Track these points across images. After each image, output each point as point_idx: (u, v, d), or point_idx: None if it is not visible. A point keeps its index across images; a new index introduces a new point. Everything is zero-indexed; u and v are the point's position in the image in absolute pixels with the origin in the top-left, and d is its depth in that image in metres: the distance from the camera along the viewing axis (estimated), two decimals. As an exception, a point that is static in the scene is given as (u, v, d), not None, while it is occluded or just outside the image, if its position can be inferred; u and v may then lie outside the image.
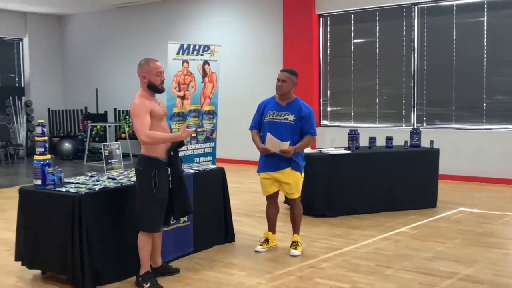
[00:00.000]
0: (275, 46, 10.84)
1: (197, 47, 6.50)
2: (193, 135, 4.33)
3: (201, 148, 6.72)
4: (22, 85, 13.79)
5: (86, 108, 13.28)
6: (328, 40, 10.52)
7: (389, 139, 7.06)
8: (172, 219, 4.31)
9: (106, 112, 12.67)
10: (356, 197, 6.54)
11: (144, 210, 4.01)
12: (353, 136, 6.91)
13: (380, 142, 7.19)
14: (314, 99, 10.54)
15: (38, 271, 4.36)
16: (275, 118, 4.89)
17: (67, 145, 12.67)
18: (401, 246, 5.20)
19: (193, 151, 6.64)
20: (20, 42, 13.66)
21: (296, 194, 4.97)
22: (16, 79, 13.74)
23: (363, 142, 7.13)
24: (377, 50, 10.02)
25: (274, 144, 4.76)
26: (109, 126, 12.33)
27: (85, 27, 13.91)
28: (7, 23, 13.19)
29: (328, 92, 10.66)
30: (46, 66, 13.87)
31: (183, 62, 6.40)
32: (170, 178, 4.08)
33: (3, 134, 12.39)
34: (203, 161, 6.69)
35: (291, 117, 4.86)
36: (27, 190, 4.21)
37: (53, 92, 13.96)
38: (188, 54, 6.42)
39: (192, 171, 5.00)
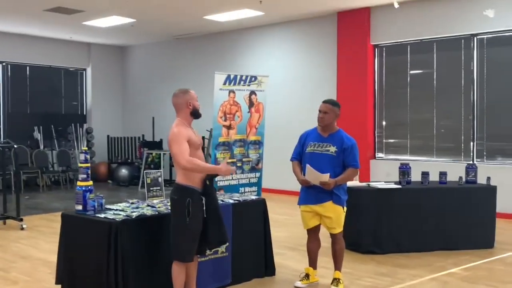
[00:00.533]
0: (328, 77, 10.81)
1: (244, 78, 6.62)
2: (232, 173, 4.36)
3: (246, 178, 6.77)
4: (84, 113, 14.42)
5: (143, 135, 13.69)
6: (384, 70, 10.40)
7: (442, 174, 6.81)
8: (208, 250, 4.31)
9: (161, 140, 13.00)
10: (406, 234, 6.33)
11: (177, 239, 4.05)
12: (404, 170, 6.74)
13: (437, 177, 6.92)
14: (369, 131, 10.39)
15: (76, 296, 4.46)
16: (317, 149, 4.85)
17: (123, 171, 13.06)
18: (449, 288, 4.96)
19: (238, 181, 6.69)
20: (84, 72, 14.35)
21: (338, 228, 4.87)
22: (79, 107, 14.40)
23: (419, 176, 6.88)
24: (435, 81, 9.79)
25: (314, 176, 4.71)
26: (164, 154, 12.62)
27: (144, 57, 14.45)
28: (72, 53, 13.92)
29: (384, 123, 10.48)
30: (107, 95, 14.46)
31: (229, 92, 6.52)
32: (204, 208, 4.11)
33: (64, 159, 12.94)
34: (248, 191, 6.72)
35: (332, 149, 4.81)
36: (68, 215, 4.36)
37: (113, 120, 14.50)
38: (234, 84, 6.53)
39: (231, 201, 5.01)
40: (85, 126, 13.90)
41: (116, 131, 14.31)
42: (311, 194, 4.85)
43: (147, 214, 4.27)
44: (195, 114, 4.25)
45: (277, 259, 5.86)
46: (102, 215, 4.19)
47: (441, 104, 9.72)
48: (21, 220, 7.56)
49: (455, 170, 7.53)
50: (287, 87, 11.46)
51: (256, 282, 5.09)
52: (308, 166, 4.75)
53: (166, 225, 4.22)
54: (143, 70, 14.49)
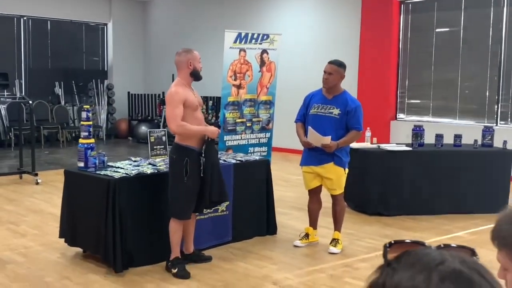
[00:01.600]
0: (350, 35, 10.69)
1: (255, 36, 6.63)
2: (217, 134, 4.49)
3: (256, 138, 6.87)
4: (105, 69, 14.65)
5: (163, 93, 13.86)
6: (409, 28, 10.22)
7: (457, 137, 6.80)
8: (208, 208, 4.49)
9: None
10: (415, 197, 6.39)
11: (174, 197, 4.23)
12: (417, 132, 6.74)
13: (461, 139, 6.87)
14: (391, 91, 10.32)
15: (80, 249, 4.73)
16: (320, 111, 4.91)
17: (143, 129, 13.31)
18: (451, 252, 5.04)
19: (248, 141, 6.80)
20: (105, 27, 14.50)
21: (338, 190, 4.97)
22: (100, 63, 14.62)
23: (446, 139, 6.84)
24: (461, 40, 9.59)
25: (315, 138, 4.79)
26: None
27: (167, 13, 14.48)
28: (92, 8, 14.04)
29: (406, 84, 10.37)
30: (128, 51, 14.61)
31: (240, 51, 6.55)
32: (202, 167, 4.25)
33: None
34: (258, 151, 6.84)
35: (336, 111, 4.86)
36: (71, 172, 4.58)
37: (134, 77, 14.69)
38: (245, 42, 6.56)
39: (234, 161, 5.15)
40: (106, 82, 14.14)
41: (137, 88, 14.52)
42: (313, 156, 4.94)
43: (147, 172, 4.44)
44: (195, 75, 4.35)
45: (281, 219, 6.04)
46: (103, 172, 4.39)
47: (467, 65, 9.55)
48: (36, 175, 7.89)
49: (478, 133, 7.45)
50: (303, 46, 11.38)
51: (256, 240, 5.27)
52: (310, 128, 4.83)
53: (165, 183, 4.39)
54: (164, 26, 14.54)
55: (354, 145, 6.56)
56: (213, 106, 12.40)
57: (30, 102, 8.73)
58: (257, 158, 5.59)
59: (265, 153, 7.02)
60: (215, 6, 13.08)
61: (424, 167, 6.43)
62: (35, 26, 13.29)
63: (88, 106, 4.78)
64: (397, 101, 10.46)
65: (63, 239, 4.71)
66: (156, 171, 4.52)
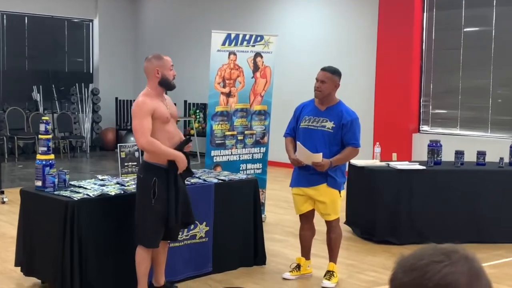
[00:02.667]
0: (366, 34, 10.76)
1: (247, 37, 6.75)
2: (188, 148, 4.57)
3: (249, 154, 6.97)
4: (90, 71, 14.87)
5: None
6: (433, 27, 10.27)
7: (480, 154, 6.82)
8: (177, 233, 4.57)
9: (175, 104, 13.28)
10: (429, 223, 6.41)
11: (141, 222, 4.31)
12: (433, 148, 6.79)
13: (489, 157, 6.91)
14: (413, 100, 10.36)
15: (38, 280, 4.83)
16: (311, 124, 4.98)
17: (133, 140, 13.49)
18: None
19: (239, 157, 6.90)
20: (90, 24, 14.75)
21: (333, 215, 5.03)
22: (84, 64, 14.85)
23: (469, 156, 6.89)
24: (493, 41, 9.62)
25: (305, 155, 4.86)
26: (178, 121, 12.94)
27: (160, 8, 14.69)
28: (76, 2, 14.29)
29: (431, 91, 10.41)
30: (116, 51, 14.81)
31: (229, 54, 6.67)
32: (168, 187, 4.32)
33: (65, 124, 13.46)
34: (251, 168, 6.93)
35: (329, 124, 4.93)
36: (27, 192, 4.70)
37: (123, 80, 14.87)
38: (236, 45, 6.67)
39: (215, 180, 5.24)
40: (91, 86, 14.36)
41: (125, 93, 14.69)
42: (303, 176, 5.01)
43: (110, 193, 4.55)
44: (165, 84, 4.46)
45: (274, 247, 6.12)
46: (62, 193, 4.50)
47: (499, 69, 9.57)
48: (2, 192, 8.04)
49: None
50: (304, 48, 11.51)
51: (241, 271, 5.34)
52: (298, 143, 4.90)
53: (133, 206, 4.48)
54: (157, 22, 14.75)
55: (360, 162, 6.65)
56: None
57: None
58: (244, 177, 5.67)
59: (259, 171, 7.12)
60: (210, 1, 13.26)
61: (440, 189, 6.45)
62: (10, 22, 13.56)
63: (47, 118, 4.90)
64: (420, 111, 10.50)
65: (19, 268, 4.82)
66: (122, 191, 4.62)
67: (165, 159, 4.33)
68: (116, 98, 14.40)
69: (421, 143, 10.30)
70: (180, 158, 4.30)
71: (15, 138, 12.29)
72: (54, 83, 13.95)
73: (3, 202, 7.94)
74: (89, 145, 13.95)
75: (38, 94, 13.64)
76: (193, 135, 12.64)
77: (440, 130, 10.27)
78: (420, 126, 10.49)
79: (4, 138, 12.18)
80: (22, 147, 12.76)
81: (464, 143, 9.04)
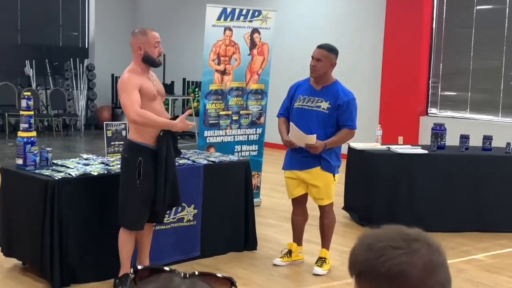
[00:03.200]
0: (374, 11, 10.70)
1: (244, 12, 6.73)
2: (189, 128, 4.55)
3: (244, 135, 6.98)
4: (86, 46, 14.87)
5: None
6: (444, 5, 10.21)
7: (487, 138, 6.81)
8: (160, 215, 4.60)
9: (173, 82, 13.32)
10: (431, 210, 6.42)
11: (125, 204, 4.35)
12: (437, 131, 6.78)
13: (497, 142, 6.93)
14: (421, 81, 10.33)
15: (19, 261, 4.89)
16: (306, 104, 4.98)
17: (128, 119, 13.52)
18: (461, 278, 5.10)
19: (234, 138, 6.92)
20: (86, -4, 14.72)
21: (326, 200, 5.05)
22: (79, 38, 14.85)
23: (478, 140, 6.89)
24: (506, 20, 9.55)
25: (298, 136, 4.87)
26: (175, 100, 12.97)
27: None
28: (72, -27, 14.25)
29: (440, 72, 10.37)
30: (113, 25, 14.77)
31: (225, 30, 6.66)
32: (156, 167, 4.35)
33: (59, 101, 13.49)
34: (247, 150, 6.95)
35: (325, 105, 4.93)
36: (8, 170, 4.75)
37: (119, 56, 14.73)
38: (232, 20, 6.66)
39: (204, 162, 5.26)
40: (86, 62, 14.37)
41: (122, 70, 14.48)
42: (296, 158, 5.02)
43: (93, 173, 4.57)
44: (149, 61, 4.45)
45: (267, 232, 6.16)
46: (43, 172, 4.53)
47: (512, 50, 9.52)
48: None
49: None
50: (304, 24, 11.49)
51: (230, 256, 5.38)
52: (291, 124, 4.91)
53: (117, 187, 4.51)
54: (156, -5, 14.70)
55: (360, 145, 6.66)
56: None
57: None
58: (235, 159, 5.68)
59: (255, 153, 7.14)
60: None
61: (443, 175, 6.46)
62: (2, -6, 13.54)
63: (29, 93, 4.93)
64: (429, 93, 10.47)
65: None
66: (105, 172, 4.64)
67: (151, 139, 4.34)
68: (112, 75, 14.39)
69: (429, 126, 10.23)
70: (174, 125, 4.30)
71: (6, 115, 12.33)
72: (48, 58, 13.96)
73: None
74: (83, 124, 13.98)
75: (31, 69, 13.66)
76: (191, 115, 12.65)
77: (449, 113, 10.25)
78: (428, 109, 10.47)
79: (-8, 116, 12.22)
80: (13, 124, 12.79)
81: (474, 127, 9.03)
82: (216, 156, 5.58)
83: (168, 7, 14.30)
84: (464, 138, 6.77)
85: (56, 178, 4.37)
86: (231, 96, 6.83)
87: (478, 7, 9.89)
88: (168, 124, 4.34)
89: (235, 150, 6.89)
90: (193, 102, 12.72)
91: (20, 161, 4.67)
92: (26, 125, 4.70)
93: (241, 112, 6.92)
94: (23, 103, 4.76)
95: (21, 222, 4.57)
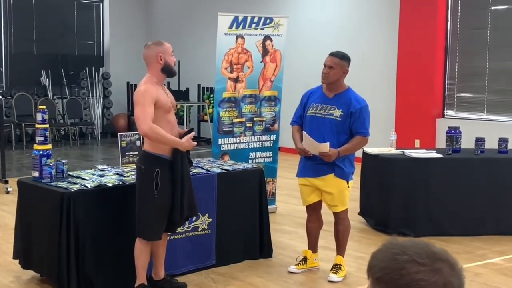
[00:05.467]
0: (387, 13, 10.71)
1: (255, 20, 6.79)
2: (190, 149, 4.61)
3: (258, 141, 7.03)
4: (101, 55, 15.03)
5: (168, 83, 14.16)
6: (459, 5, 10.20)
7: (502, 141, 6.81)
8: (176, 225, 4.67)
9: (187, 89, 13.42)
10: (447, 214, 6.44)
11: (142, 214, 4.42)
12: (452, 135, 6.79)
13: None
14: (437, 83, 10.32)
15: (36, 273, 4.97)
16: (319, 112, 5.03)
17: (144, 126, 13.64)
18: (478, 282, 5.11)
19: (248, 145, 6.98)
20: (100, 4, 14.88)
21: (341, 206, 5.09)
22: (95, 47, 15.01)
23: (495, 143, 6.88)
24: (522, 20, 9.53)
25: (311, 144, 4.92)
26: (190, 106, 13.06)
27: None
28: (86, -18, 14.42)
29: (456, 73, 10.35)
30: (128, 33, 14.93)
31: (237, 38, 6.73)
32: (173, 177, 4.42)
33: (75, 110, 13.65)
34: (261, 157, 7.01)
35: (337, 112, 4.97)
36: (24, 183, 4.84)
37: (134, 64, 14.89)
38: (244, 28, 6.72)
39: (218, 170, 5.32)
40: (101, 70, 14.52)
41: (137, 77, 14.65)
42: (309, 166, 5.07)
43: (108, 184, 4.65)
44: (168, 71, 4.54)
45: (283, 239, 6.21)
46: (59, 184, 4.61)
47: (529, 50, 9.49)
48: (6, 182, 8.22)
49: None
50: (317, 30, 11.56)
51: (246, 264, 5.43)
52: (304, 133, 4.96)
53: (132, 197, 4.58)
54: (170, 4, 14.83)
55: (374, 150, 6.68)
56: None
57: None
58: (249, 166, 5.74)
59: (270, 159, 7.19)
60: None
61: (459, 179, 6.47)
62: (17, 3, 13.75)
63: (44, 107, 5.02)
64: (445, 95, 10.46)
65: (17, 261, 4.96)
66: (120, 182, 4.72)
67: (166, 149, 4.40)
68: (128, 83, 14.55)
69: (446, 128, 10.24)
70: (182, 144, 4.37)
71: (23, 125, 12.50)
72: (63, 67, 14.15)
73: (7, 192, 8.13)
74: (99, 132, 14.13)
75: (47, 79, 13.84)
76: (206, 121, 12.75)
77: (465, 115, 10.23)
78: (445, 111, 10.46)
79: (12, 124, 12.39)
80: (30, 134, 12.95)
81: (491, 128, 9.02)
82: (229, 164, 5.63)
83: (181, 15, 14.42)
84: (480, 141, 6.77)
85: (72, 190, 4.45)
86: (245, 103, 6.89)
87: (493, 8, 9.87)
88: (175, 142, 4.40)
89: (250, 157, 6.95)
90: (208, 108, 12.81)
91: (36, 174, 4.76)
92: (42, 138, 4.79)
93: (255, 119, 6.98)
94: (38, 116, 4.86)
95: (38, 234, 4.66)
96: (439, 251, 1.41)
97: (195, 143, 4.49)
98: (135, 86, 14.65)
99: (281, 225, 6.75)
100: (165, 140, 4.35)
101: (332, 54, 5.07)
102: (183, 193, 4.42)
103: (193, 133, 4.52)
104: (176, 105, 4.99)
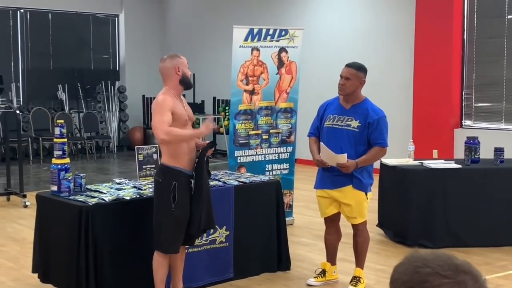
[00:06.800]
0: (403, 23, 10.70)
1: (271, 32, 6.81)
2: (217, 128, 4.67)
3: (275, 154, 7.04)
4: (117, 69, 15.13)
5: (183, 95, 14.21)
6: (475, 15, 10.17)
7: (522, 151, 6.75)
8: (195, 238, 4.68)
9: (203, 101, 13.47)
10: (467, 225, 6.39)
11: (160, 228, 4.43)
12: (471, 145, 6.75)
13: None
14: (454, 92, 10.27)
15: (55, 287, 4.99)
16: (336, 123, 5.02)
17: (160, 139, 13.69)
18: (498, 294, 5.06)
19: (264, 157, 6.98)
20: (116, 19, 15.00)
21: (360, 218, 5.07)
22: (110, 61, 15.12)
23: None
24: (539, 28, 9.48)
25: (329, 156, 4.91)
26: (204, 119, 13.10)
27: (186, 2, 14.84)
28: (101, -4, 14.57)
29: (473, 83, 10.30)
30: (143, 47, 15.03)
31: (252, 50, 6.75)
32: (192, 193, 4.44)
33: (91, 124, 13.74)
34: (278, 169, 7.01)
35: (355, 123, 4.96)
36: (43, 196, 4.87)
37: (150, 77, 14.98)
38: (259, 40, 6.74)
39: (235, 183, 5.32)
40: (117, 84, 14.62)
41: (153, 91, 14.76)
42: (327, 177, 5.06)
43: (126, 197, 4.67)
44: (185, 83, 4.58)
45: (301, 251, 6.19)
46: (77, 198, 4.64)
47: (547, 58, 9.43)
48: (24, 196, 8.28)
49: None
50: (333, 41, 11.57)
51: (264, 277, 5.42)
52: (322, 144, 4.95)
53: (150, 210, 4.60)
54: (183, 16, 14.92)
55: (392, 161, 6.66)
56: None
57: (18, 112, 9.09)
58: (266, 178, 5.74)
59: (286, 171, 7.19)
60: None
61: (478, 189, 6.42)
62: (34, 19, 13.90)
63: (62, 121, 5.06)
64: (462, 105, 10.41)
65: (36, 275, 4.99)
66: (138, 196, 4.74)
67: (184, 163, 4.42)
68: (143, 96, 14.63)
69: (464, 138, 10.17)
70: (200, 132, 4.52)
71: (40, 139, 12.59)
72: (80, 81, 14.25)
73: (25, 206, 8.18)
74: (116, 145, 14.21)
75: (63, 93, 13.96)
76: (222, 133, 12.77)
77: (483, 124, 10.17)
78: (462, 121, 10.40)
79: (29, 139, 12.50)
80: (47, 148, 13.05)
81: (510, 138, 8.95)
82: (246, 177, 5.64)
83: (196, 28, 14.50)
84: (499, 151, 6.73)
85: (90, 204, 4.47)
86: (260, 115, 6.90)
87: (509, 16, 9.83)
88: (195, 133, 4.54)
89: (266, 169, 6.95)
90: (224, 121, 12.84)
91: (54, 188, 4.80)
92: (60, 152, 4.83)
93: (271, 131, 6.99)
94: (57, 130, 4.90)
95: (57, 248, 4.68)
96: (462, 263, 1.40)
97: (215, 126, 4.54)
98: (151, 99, 14.82)
99: (298, 237, 6.73)
100: (184, 137, 4.42)
101: (348, 65, 5.07)
102: (201, 204, 4.43)
103: (211, 117, 4.55)
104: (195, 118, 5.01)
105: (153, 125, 4.42)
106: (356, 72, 5.01)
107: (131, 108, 14.61)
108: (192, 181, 4.47)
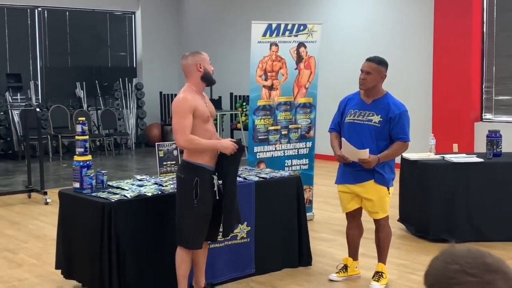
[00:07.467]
0: (422, 17, 10.64)
1: (289, 27, 6.80)
2: (231, 151, 4.55)
3: (294, 149, 7.03)
4: (134, 66, 15.20)
5: (202, 92, 14.25)
6: (494, 8, 10.09)
7: (545, 144, 6.69)
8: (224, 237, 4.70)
9: (220, 97, 13.47)
10: (489, 219, 6.34)
11: (183, 224, 4.44)
12: (493, 138, 6.69)
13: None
14: (474, 86, 10.20)
15: (78, 282, 5.03)
16: (357, 118, 5.00)
17: (178, 136, 13.74)
18: (524, 289, 5.01)
19: (284, 152, 6.98)
20: (132, 16, 15.06)
21: (381, 213, 5.05)
22: (127, 58, 15.19)
23: None
24: (561, 20, 9.38)
25: (350, 151, 4.89)
26: (223, 115, 13.12)
27: (204, -4, 14.88)
28: (118, -6, 14.64)
29: (493, 76, 10.22)
30: (160, 44, 15.09)
31: (270, 45, 6.74)
32: (215, 189, 4.44)
33: (109, 121, 13.81)
34: (297, 164, 7.01)
35: (376, 118, 4.94)
36: (65, 193, 4.90)
37: (167, 74, 15.13)
38: (277, 35, 6.74)
39: (255, 178, 5.32)
40: (134, 81, 14.68)
41: (170, 87, 14.93)
42: (349, 172, 5.04)
43: (148, 194, 4.69)
44: (207, 79, 4.57)
45: (322, 247, 6.18)
46: (99, 195, 4.67)
47: None
48: (45, 193, 8.35)
49: None
50: (352, 35, 11.53)
51: (285, 272, 5.42)
52: (343, 140, 4.93)
53: (172, 206, 4.61)
54: (201, 12, 14.93)
55: (413, 156, 6.62)
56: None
57: (38, 109, 9.15)
58: (286, 174, 5.74)
59: (306, 166, 7.18)
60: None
61: (500, 183, 6.37)
62: (51, 18, 14.00)
63: (83, 119, 5.08)
64: (483, 98, 10.33)
65: (60, 271, 5.03)
66: (159, 192, 4.76)
67: (206, 159, 4.42)
68: (161, 93, 14.68)
69: (484, 132, 10.07)
70: (224, 145, 4.41)
71: (59, 136, 12.68)
72: (97, 78, 14.34)
73: (46, 203, 8.25)
74: (134, 142, 14.27)
75: (82, 91, 14.04)
76: (239, 129, 12.78)
77: (504, 118, 10.09)
78: (483, 114, 10.33)
79: (48, 136, 12.59)
80: (66, 145, 13.15)
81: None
82: (267, 172, 5.64)
83: (213, 23, 14.51)
84: (521, 144, 6.67)
85: (112, 200, 4.50)
86: (280, 111, 6.89)
87: (530, 9, 9.74)
88: (216, 145, 4.44)
89: (286, 164, 6.95)
90: (241, 116, 12.85)
91: (77, 185, 4.83)
92: (82, 149, 4.86)
93: (290, 126, 6.98)
94: (78, 128, 4.93)
95: (80, 244, 4.72)
96: (493, 262, 1.37)
97: (236, 146, 4.47)
98: (168, 96, 14.86)
99: (318, 232, 6.72)
100: (205, 147, 4.39)
101: (369, 59, 5.04)
102: (232, 200, 4.46)
103: (234, 147, 4.48)
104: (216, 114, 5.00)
105: (174, 128, 4.42)
106: (377, 66, 4.98)
107: (148, 105, 14.67)
108: (215, 177, 4.47)
